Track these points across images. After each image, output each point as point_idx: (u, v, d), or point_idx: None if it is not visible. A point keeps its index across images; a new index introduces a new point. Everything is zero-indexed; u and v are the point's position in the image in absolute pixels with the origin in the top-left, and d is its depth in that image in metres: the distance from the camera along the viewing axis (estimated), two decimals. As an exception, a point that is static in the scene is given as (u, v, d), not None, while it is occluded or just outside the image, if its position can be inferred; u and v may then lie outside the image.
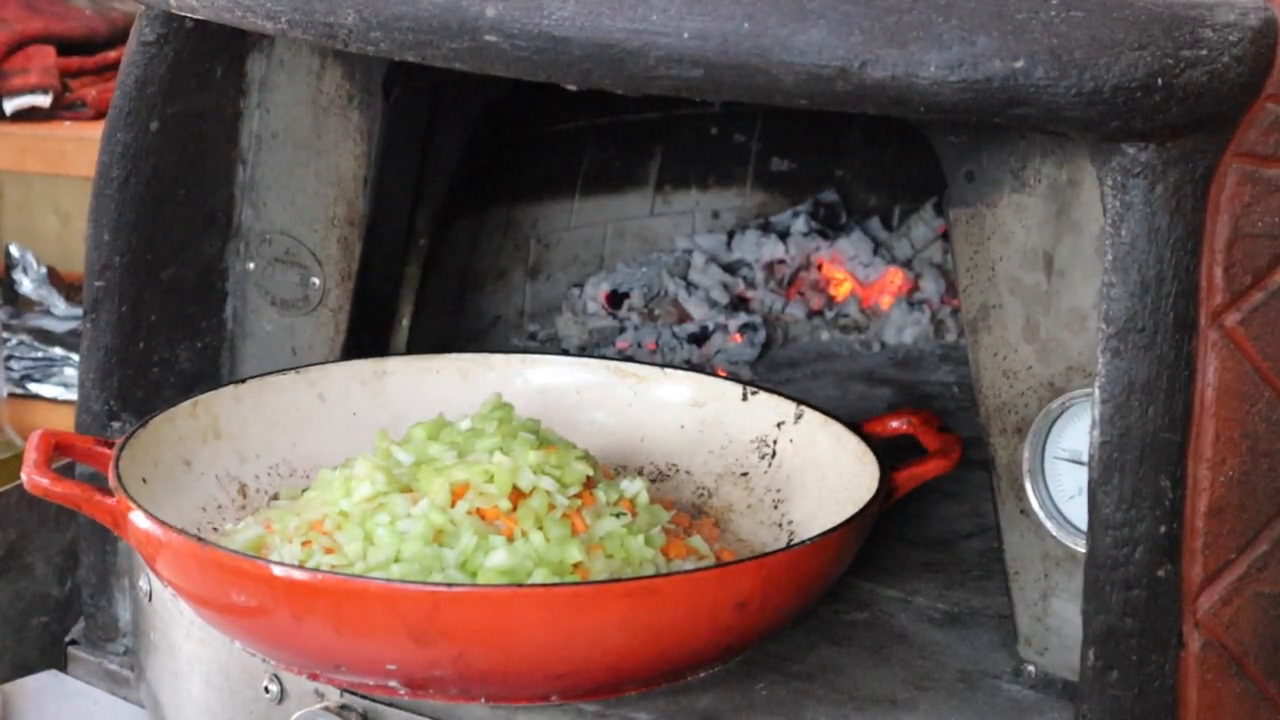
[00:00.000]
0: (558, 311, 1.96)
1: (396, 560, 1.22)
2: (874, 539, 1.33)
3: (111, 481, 1.27)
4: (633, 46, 1.06)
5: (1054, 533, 1.24)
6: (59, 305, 2.29)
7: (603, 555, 1.24)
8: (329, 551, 1.25)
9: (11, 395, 1.90)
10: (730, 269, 2.02)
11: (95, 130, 1.92)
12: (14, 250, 2.34)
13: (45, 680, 1.54)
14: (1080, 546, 1.21)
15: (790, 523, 1.40)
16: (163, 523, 1.21)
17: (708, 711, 1.23)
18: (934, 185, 2.00)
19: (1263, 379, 1.10)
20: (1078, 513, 1.22)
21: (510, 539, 1.23)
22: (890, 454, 1.35)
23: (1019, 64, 1.03)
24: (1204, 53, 1.04)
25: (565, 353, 1.85)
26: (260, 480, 1.41)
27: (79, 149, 2.35)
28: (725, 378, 1.51)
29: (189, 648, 1.35)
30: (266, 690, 1.28)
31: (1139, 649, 1.11)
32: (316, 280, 1.48)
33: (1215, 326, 1.09)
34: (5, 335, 2.21)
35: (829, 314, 2.00)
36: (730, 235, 2.05)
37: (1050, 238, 1.20)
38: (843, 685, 1.27)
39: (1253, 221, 1.09)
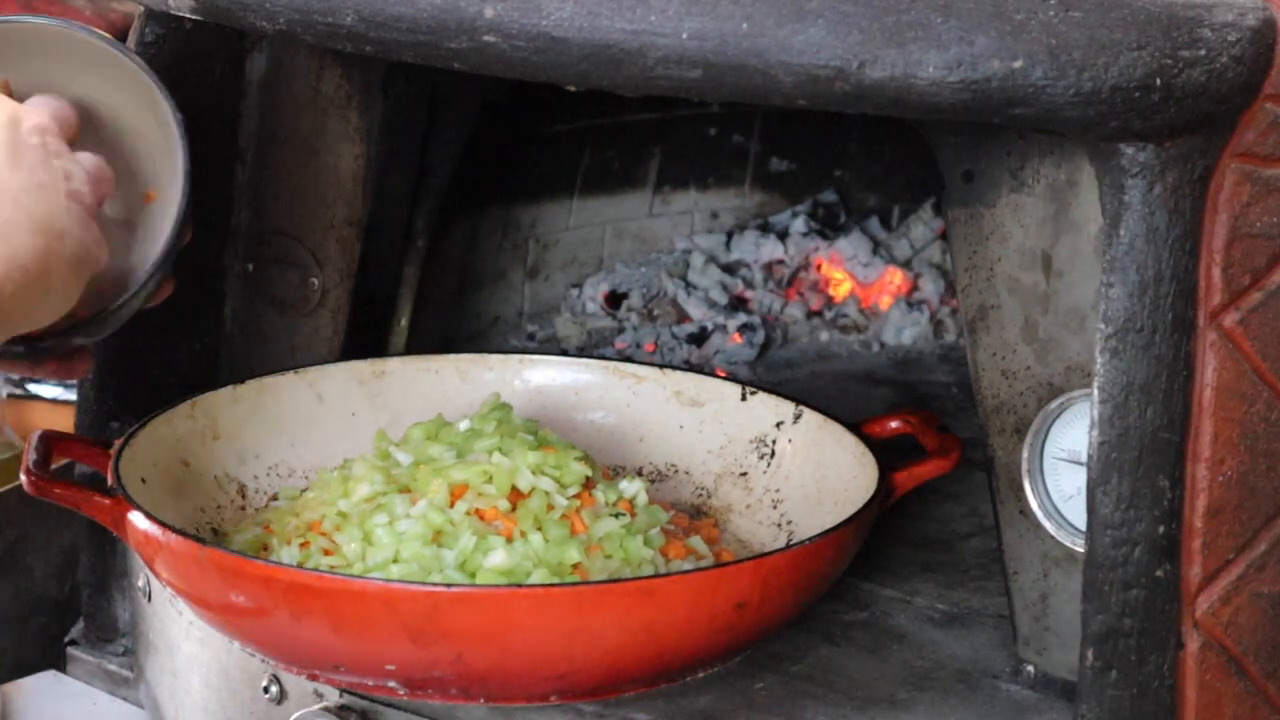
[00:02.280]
0: (556, 312, 1.96)
1: (395, 561, 1.22)
2: (873, 539, 1.33)
3: (110, 482, 1.27)
4: (631, 47, 1.06)
5: (1053, 533, 1.24)
6: (58, 306, 2.29)
7: (602, 556, 1.24)
8: (328, 553, 1.25)
9: (11, 395, 1.90)
10: (729, 269, 2.02)
11: (94, 131, 1.91)
12: (13, 251, 2.33)
13: (45, 680, 1.54)
14: (1079, 546, 1.21)
15: (789, 523, 1.40)
16: (162, 523, 1.21)
17: (707, 711, 1.23)
18: (933, 185, 2.00)
19: (1261, 379, 1.10)
20: (1077, 513, 1.22)
21: (509, 539, 1.23)
22: (889, 454, 1.35)
23: (1017, 64, 1.03)
24: (1202, 53, 1.04)
25: (564, 353, 1.85)
26: (259, 481, 1.41)
27: (78, 149, 2.35)
28: (724, 378, 1.51)
29: (188, 648, 1.35)
30: (266, 690, 1.28)
31: (1138, 649, 1.11)
32: (315, 281, 1.48)
33: (1214, 326, 1.09)
34: (4, 336, 2.21)
35: (828, 314, 2.00)
36: (729, 236, 2.05)
37: (1049, 238, 1.20)
38: (842, 685, 1.27)
39: (1251, 221, 1.09)
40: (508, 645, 1.15)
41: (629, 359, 1.70)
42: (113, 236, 1.20)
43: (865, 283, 2.02)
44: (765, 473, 1.44)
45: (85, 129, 1.23)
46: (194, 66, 1.43)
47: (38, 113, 1.14)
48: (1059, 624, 1.25)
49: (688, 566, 1.28)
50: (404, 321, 1.64)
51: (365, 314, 1.54)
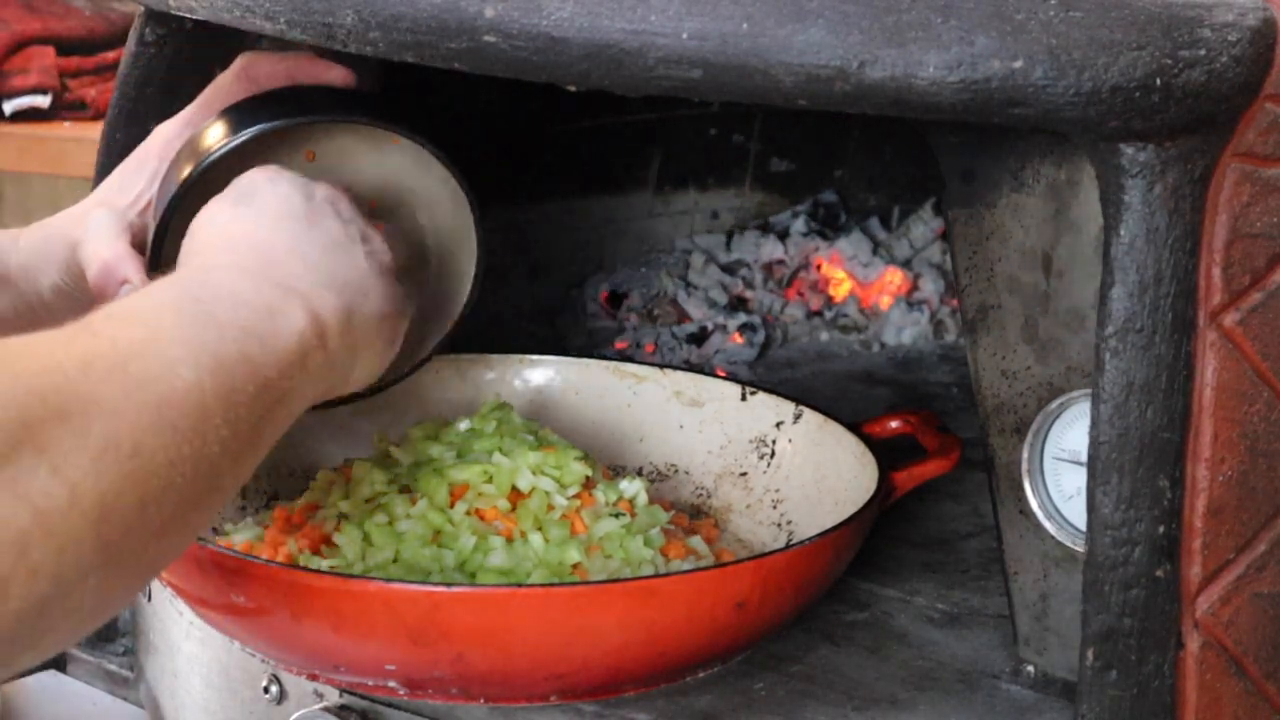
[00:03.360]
0: (556, 312, 1.96)
1: (395, 561, 1.22)
2: (873, 539, 1.33)
3: (111, 482, 1.27)
4: (631, 47, 1.06)
5: (1053, 533, 1.24)
6: (58, 306, 2.28)
7: (602, 556, 1.24)
8: (325, 553, 1.25)
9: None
10: (729, 269, 2.02)
11: (95, 130, 1.92)
12: (13, 251, 2.33)
13: (45, 680, 1.54)
14: (1079, 547, 1.21)
15: (789, 523, 1.40)
16: (162, 523, 1.21)
17: (707, 711, 1.23)
18: (933, 185, 2.00)
19: (1261, 379, 1.10)
20: (1077, 513, 1.22)
21: (509, 540, 1.23)
22: (889, 454, 1.36)
23: (1018, 64, 1.03)
24: (1202, 53, 1.04)
25: (564, 353, 1.85)
26: (259, 481, 1.41)
27: (79, 149, 2.36)
28: (724, 378, 1.51)
29: (189, 648, 1.35)
30: (266, 690, 1.28)
31: (1138, 649, 1.11)
32: (315, 281, 1.48)
33: (1214, 326, 1.09)
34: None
35: (828, 314, 2.00)
36: (729, 235, 2.05)
37: (1049, 238, 1.20)
38: (842, 685, 1.27)
39: (1251, 221, 1.09)
40: (508, 645, 1.15)
41: (629, 359, 1.70)
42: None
43: (865, 283, 2.02)
44: (765, 473, 1.44)
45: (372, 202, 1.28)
46: (194, 66, 1.43)
47: (325, 185, 1.17)
48: (1059, 624, 1.25)
49: (688, 566, 1.28)
50: (404, 321, 1.64)
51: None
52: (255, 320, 1.00)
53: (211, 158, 1.20)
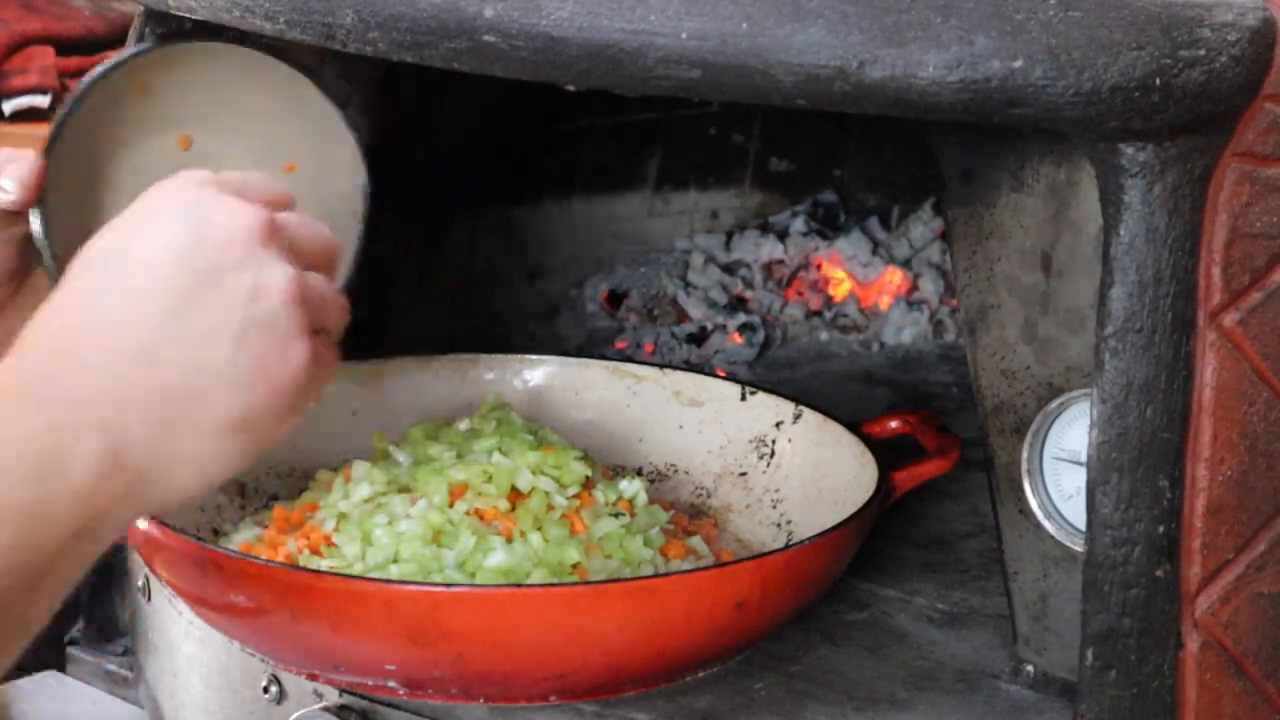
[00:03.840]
0: (556, 312, 1.96)
1: (395, 561, 1.22)
2: (873, 539, 1.33)
3: (110, 482, 1.27)
4: (631, 47, 1.06)
5: (1053, 533, 1.24)
6: (58, 306, 2.28)
7: (601, 556, 1.24)
8: (324, 553, 1.25)
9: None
10: (729, 269, 2.02)
11: (94, 131, 1.92)
12: (13, 251, 2.33)
13: (44, 680, 1.54)
14: (1079, 546, 1.21)
15: (789, 523, 1.40)
16: (161, 523, 1.21)
17: (707, 711, 1.23)
18: (933, 185, 2.00)
19: (1261, 379, 1.10)
20: (1076, 513, 1.22)
21: (509, 539, 1.23)
22: (889, 454, 1.35)
23: (1017, 64, 1.03)
24: (1202, 53, 1.04)
25: (564, 353, 1.85)
26: (259, 481, 1.41)
27: (78, 149, 2.34)
28: (724, 378, 1.51)
29: (188, 648, 1.35)
30: (266, 690, 1.28)
31: (1137, 649, 1.11)
32: (315, 281, 1.48)
33: (1213, 326, 1.09)
34: (4, 336, 2.20)
35: (828, 314, 2.00)
36: (729, 235, 2.05)
37: (1049, 238, 1.20)
38: (842, 685, 1.27)
39: (1251, 221, 1.09)
40: (507, 645, 1.15)
41: (629, 359, 1.70)
42: None
43: (865, 282, 2.02)
44: (765, 473, 1.44)
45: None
46: (194, 66, 1.43)
47: (233, 213, 0.95)
48: (1059, 624, 1.25)
49: (687, 566, 1.28)
50: (404, 321, 1.64)
51: (365, 314, 1.54)
52: (23, 489, 0.85)
53: (81, 92, 1.20)
